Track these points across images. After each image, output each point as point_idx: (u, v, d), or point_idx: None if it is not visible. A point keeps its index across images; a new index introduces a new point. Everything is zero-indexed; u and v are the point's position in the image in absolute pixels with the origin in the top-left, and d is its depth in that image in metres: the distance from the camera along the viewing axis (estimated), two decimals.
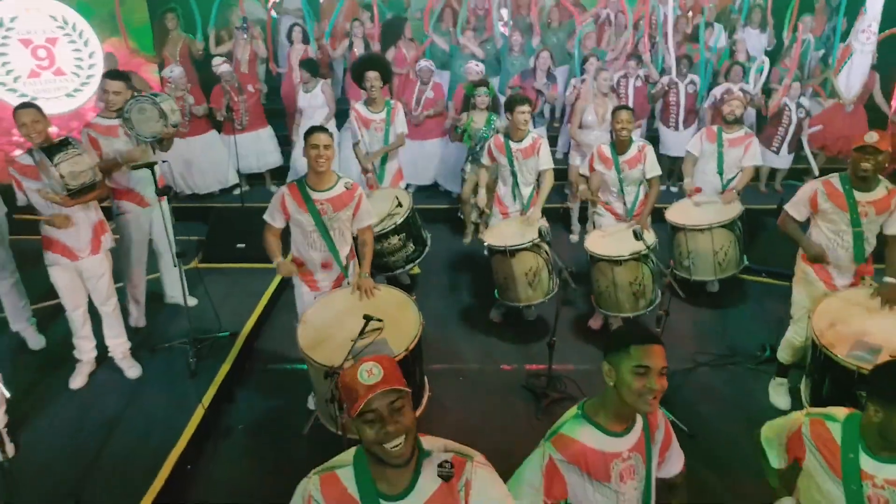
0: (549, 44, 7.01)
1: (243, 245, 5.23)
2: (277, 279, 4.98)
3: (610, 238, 4.05)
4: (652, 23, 6.88)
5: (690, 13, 7.37)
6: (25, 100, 4.30)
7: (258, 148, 6.53)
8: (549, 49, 6.22)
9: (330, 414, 2.92)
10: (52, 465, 3.12)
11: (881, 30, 6.44)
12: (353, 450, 1.64)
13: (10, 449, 3.08)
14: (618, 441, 1.80)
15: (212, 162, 6.44)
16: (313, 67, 5.91)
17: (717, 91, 6.22)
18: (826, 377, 2.91)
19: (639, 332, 1.82)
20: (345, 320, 3.03)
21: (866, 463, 1.75)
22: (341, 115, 6.20)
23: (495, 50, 6.77)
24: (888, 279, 3.17)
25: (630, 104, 5.90)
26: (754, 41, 7.25)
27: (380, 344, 2.82)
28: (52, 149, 3.18)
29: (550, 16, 7.27)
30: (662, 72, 6.61)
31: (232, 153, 6.08)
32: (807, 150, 6.53)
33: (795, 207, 3.42)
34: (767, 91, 6.65)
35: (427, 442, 1.63)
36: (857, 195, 3.21)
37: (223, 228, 5.34)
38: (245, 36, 6.32)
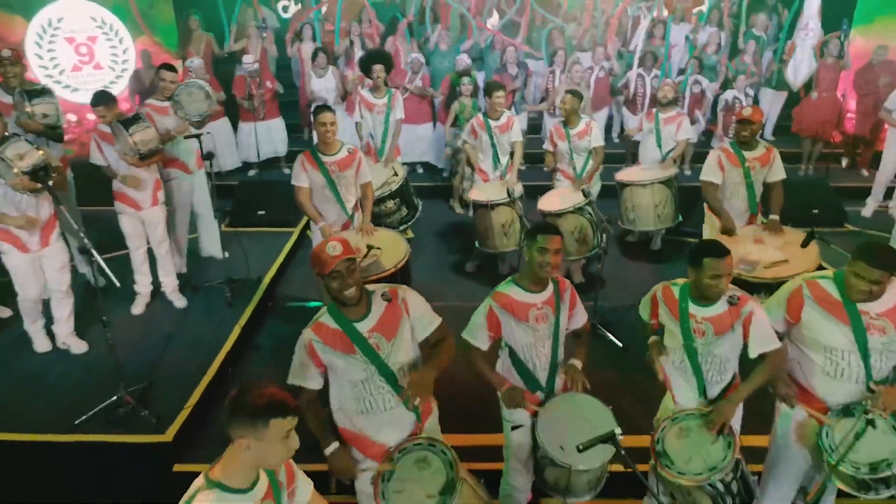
0: (533, 40, 8.09)
1: (263, 212, 6.28)
2: (293, 239, 6.02)
3: (559, 197, 5.04)
4: (622, 23, 7.91)
5: (656, 13, 8.40)
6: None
7: (270, 136, 7.50)
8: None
9: None
10: (126, 363, 4.09)
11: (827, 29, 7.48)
12: (323, 307, 2.59)
13: (80, 346, 4.19)
14: (534, 296, 2.79)
15: (222, 145, 7.33)
16: (327, 53, 6.96)
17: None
18: None
19: (544, 226, 2.83)
20: None
21: (692, 308, 2.75)
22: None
23: (479, 49, 7.81)
24: (772, 216, 4.19)
25: (591, 93, 6.95)
26: (713, 38, 8.25)
27: (374, 263, 3.82)
28: (127, 122, 4.19)
29: (535, 15, 8.31)
30: (629, 67, 7.65)
31: (252, 139, 7.09)
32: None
33: (709, 174, 4.42)
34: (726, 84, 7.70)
35: (370, 287, 2.61)
36: (745, 154, 4.24)
37: (246, 199, 6.37)
38: (264, 35, 7.32)
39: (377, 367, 2.48)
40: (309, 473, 2.12)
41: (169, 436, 3.51)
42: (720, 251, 2.61)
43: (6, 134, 3.73)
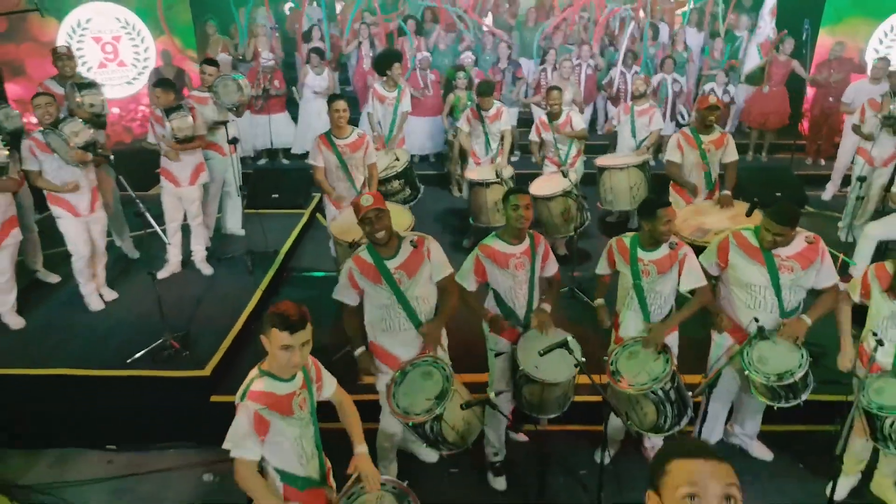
0: (525, 40, 8.79)
1: (277, 195, 6.96)
2: (304, 219, 6.69)
3: (547, 182, 5.71)
4: (608, 24, 8.61)
5: (642, 13, 9.10)
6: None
7: (275, 129, 8.11)
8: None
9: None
10: (153, 315, 4.72)
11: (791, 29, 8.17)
12: (365, 245, 3.28)
13: (112, 294, 4.95)
14: (513, 248, 3.46)
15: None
16: (321, 53, 7.64)
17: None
18: None
19: (516, 189, 3.50)
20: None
21: (640, 253, 3.42)
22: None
23: (475, 47, 8.51)
24: (724, 192, 4.87)
25: (581, 88, 7.64)
26: (692, 39, 8.95)
27: None
28: (169, 110, 4.88)
29: (528, 17, 9.02)
30: (612, 64, 8.34)
31: (259, 131, 7.77)
32: (728, 126, 8.24)
33: (670, 154, 5.12)
34: (699, 78, 8.39)
35: (403, 234, 3.30)
36: (702, 137, 4.93)
37: (262, 183, 7.05)
38: (278, 35, 8.00)
39: (397, 297, 3.17)
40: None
41: (207, 371, 4.19)
42: (666, 203, 3.32)
43: (62, 117, 4.42)
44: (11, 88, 7.62)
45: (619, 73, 8.00)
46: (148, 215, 4.07)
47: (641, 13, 8.97)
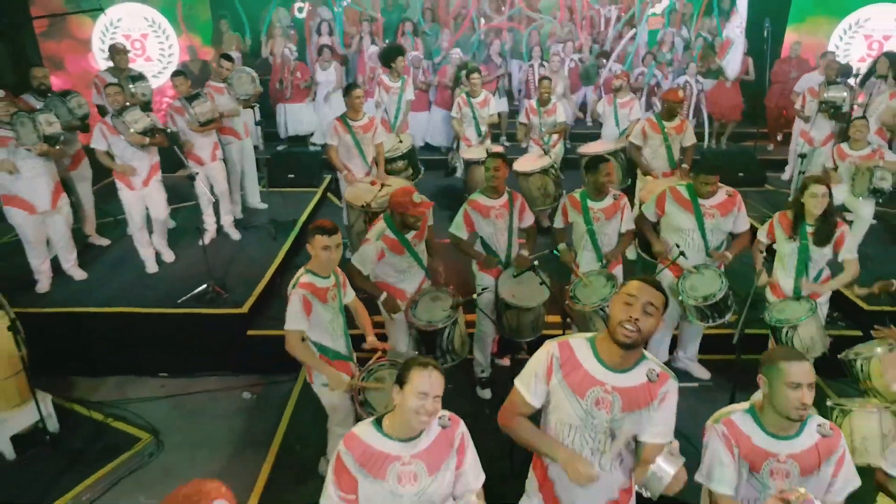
0: (517, 39, 9.72)
1: (293, 175, 7.89)
2: (317, 196, 7.61)
3: (530, 161, 6.62)
4: (594, 23, 9.57)
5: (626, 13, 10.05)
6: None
7: (297, 117, 9.07)
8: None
9: (352, 239, 5.52)
10: (196, 268, 5.64)
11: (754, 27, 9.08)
12: (382, 223, 4.14)
13: (171, 256, 5.83)
14: (494, 201, 4.36)
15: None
16: (330, 49, 8.58)
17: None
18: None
19: (492, 154, 4.42)
20: (370, 190, 5.62)
21: (590, 203, 4.31)
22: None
23: (472, 45, 9.46)
24: (683, 166, 5.80)
25: (569, 80, 8.60)
26: (670, 37, 9.86)
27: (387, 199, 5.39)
28: (190, 98, 5.78)
29: (519, 20, 9.96)
30: (597, 59, 9.27)
31: (282, 119, 8.71)
32: (704, 114, 9.15)
33: (635, 137, 6.04)
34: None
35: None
36: (665, 123, 5.85)
37: (280, 166, 7.97)
38: (291, 33, 8.93)
39: (414, 258, 4.12)
40: None
41: (245, 309, 5.12)
42: (606, 159, 4.31)
43: (127, 104, 5.34)
44: (52, 81, 8.56)
45: (607, 68, 8.94)
46: (197, 179, 5.00)
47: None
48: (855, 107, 6.65)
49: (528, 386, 2.30)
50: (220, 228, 6.45)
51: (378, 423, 2.27)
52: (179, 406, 4.87)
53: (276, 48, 8.95)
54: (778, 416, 2.29)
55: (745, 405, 2.44)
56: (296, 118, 8.80)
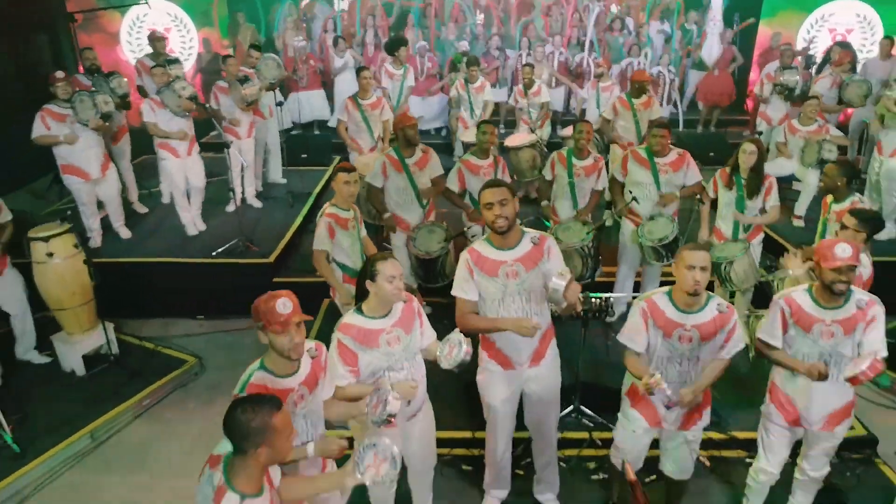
0: (509, 33, 10.66)
1: (306, 155, 8.80)
2: (328, 174, 8.51)
3: (518, 137, 7.51)
4: (580, 17, 10.49)
5: (616, 8, 10.98)
6: None
7: (310, 103, 9.97)
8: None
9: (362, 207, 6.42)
10: (227, 226, 6.55)
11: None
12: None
13: (202, 225, 6.69)
14: (482, 161, 5.28)
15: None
16: (344, 39, 9.51)
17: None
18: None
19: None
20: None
21: (574, 161, 5.23)
22: None
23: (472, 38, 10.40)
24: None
25: (555, 70, 9.52)
26: (656, 30, 10.79)
27: None
28: (242, 80, 6.67)
29: (511, 13, 10.89)
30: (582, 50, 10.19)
31: (296, 105, 9.62)
32: (678, 103, 10.07)
33: (607, 113, 6.95)
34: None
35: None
36: (634, 101, 6.75)
37: (294, 148, 8.87)
38: (305, 25, 9.85)
39: (410, 182, 5.02)
40: None
41: (271, 259, 6.03)
42: (586, 121, 5.19)
43: (170, 81, 6.25)
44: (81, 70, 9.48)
45: (584, 58, 9.86)
46: (232, 146, 5.92)
47: (614, 8, 10.86)
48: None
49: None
50: (244, 199, 7.35)
51: (359, 311, 2.98)
52: (216, 341, 5.76)
53: (288, 40, 9.88)
54: (683, 295, 3.17)
55: (666, 289, 3.32)
56: (309, 104, 9.71)
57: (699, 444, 3.44)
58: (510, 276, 3.14)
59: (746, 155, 4.80)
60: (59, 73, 5.90)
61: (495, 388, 3.41)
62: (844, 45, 8.22)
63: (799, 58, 9.00)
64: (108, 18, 9.62)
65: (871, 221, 3.66)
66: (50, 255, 4.74)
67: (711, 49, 9.88)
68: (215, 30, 10.60)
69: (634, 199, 5.09)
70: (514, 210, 3.11)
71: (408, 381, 2.97)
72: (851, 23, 9.96)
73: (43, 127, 5.69)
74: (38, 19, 8.83)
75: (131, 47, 9.96)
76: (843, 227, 3.67)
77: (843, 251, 2.92)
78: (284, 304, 2.48)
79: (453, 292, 3.26)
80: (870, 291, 3.24)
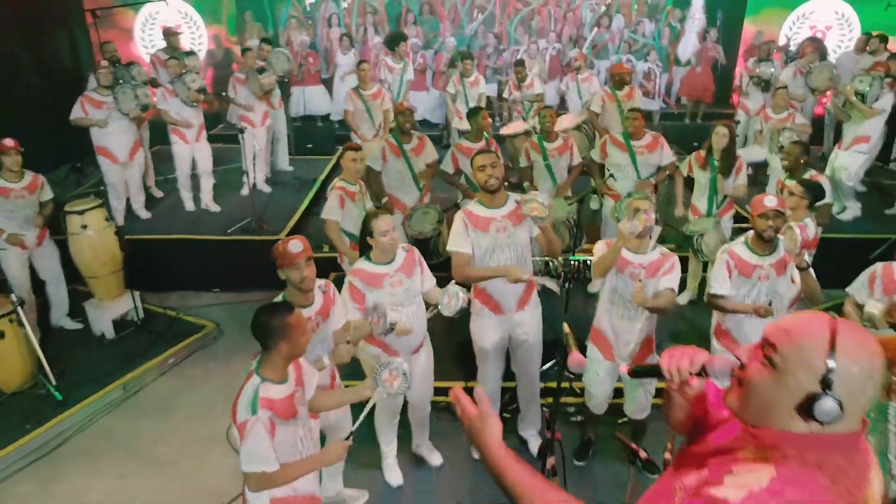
0: (504, 30, 11.21)
1: (311, 145, 9.35)
2: (332, 163, 9.06)
3: (512, 127, 8.06)
4: (578, 15, 11.06)
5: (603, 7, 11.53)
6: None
7: (311, 98, 10.52)
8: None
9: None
10: (241, 206, 7.10)
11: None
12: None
13: (216, 207, 7.23)
14: (475, 145, 5.83)
15: None
16: (350, 38, 10.06)
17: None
18: None
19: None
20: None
21: (546, 144, 5.78)
22: None
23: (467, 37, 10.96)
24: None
25: (547, 65, 10.08)
26: (646, 29, 11.34)
27: None
28: (259, 70, 7.23)
29: (505, 11, 11.45)
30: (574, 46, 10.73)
31: (300, 99, 10.16)
32: (668, 97, 10.62)
33: (593, 106, 7.49)
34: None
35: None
36: (618, 92, 7.29)
37: (300, 138, 9.42)
38: (310, 23, 10.41)
39: (407, 164, 5.55)
40: None
41: (282, 236, 6.55)
42: (546, 106, 5.72)
43: (183, 72, 6.81)
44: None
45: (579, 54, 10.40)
46: (246, 132, 6.47)
47: (602, 7, 11.42)
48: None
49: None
50: (254, 184, 7.90)
51: (368, 258, 3.55)
52: (231, 311, 6.29)
53: (293, 37, 10.43)
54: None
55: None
56: (310, 99, 10.24)
57: (654, 387, 3.98)
58: (500, 231, 3.68)
59: (719, 137, 5.35)
60: (104, 62, 6.55)
61: (487, 332, 3.95)
62: (813, 40, 8.77)
63: (777, 52, 9.52)
64: (122, 16, 10.17)
65: (812, 189, 4.20)
66: (84, 227, 5.29)
67: (686, 46, 10.41)
68: (223, 27, 11.16)
69: (611, 175, 5.64)
70: (502, 173, 3.70)
71: (407, 321, 3.51)
72: (831, 20, 10.50)
73: (81, 111, 6.35)
74: (58, 16, 9.37)
75: (144, 43, 10.52)
76: (791, 194, 4.21)
77: (770, 201, 3.48)
78: (295, 244, 3.07)
79: (449, 248, 3.80)
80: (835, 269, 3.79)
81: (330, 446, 2.81)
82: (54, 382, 4.77)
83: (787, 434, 1.27)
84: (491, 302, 3.88)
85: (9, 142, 5.03)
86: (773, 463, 1.23)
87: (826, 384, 1.21)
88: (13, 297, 4.64)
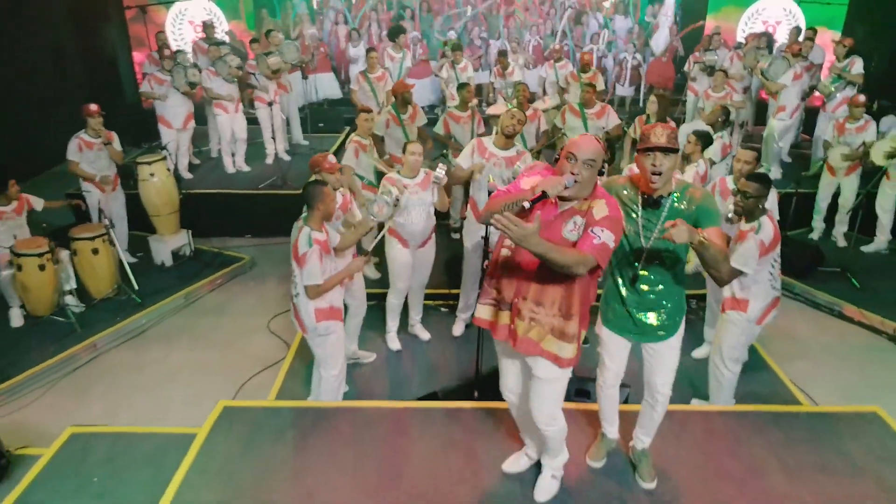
0: (493, 23, 12.82)
1: (322, 124, 10.95)
2: (340, 139, 10.64)
3: (496, 107, 9.61)
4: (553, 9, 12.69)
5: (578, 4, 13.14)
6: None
7: (322, 83, 12.09)
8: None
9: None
10: (268, 168, 8.67)
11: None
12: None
13: (246, 168, 8.83)
14: (463, 114, 7.40)
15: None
16: (358, 33, 11.66)
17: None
18: None
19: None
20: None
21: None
22: None
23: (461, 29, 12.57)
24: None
25: (531, 54, 11.70)
26: (620, 23, 12.93)
27: None
28: (266, 53, 8.83)
29: (493, 7, 13.07)
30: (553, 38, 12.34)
31: (311, 86, 11.74)
32: (640, 86, 12.19)
33: (563, 84, 9.07)
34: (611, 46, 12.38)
35: None
36: (583, 75, 8.87)
37: (311, 118, 11.01)
38: (320, 18, 12.02)
39: (404, 132, 7.10)
40: None
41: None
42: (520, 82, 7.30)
43: (221, 56, 8.40)
44: (137, 56, 11.66)
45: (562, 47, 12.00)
46: (265, 116, 8.11)
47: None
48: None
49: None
50: (276, 154, 9.49)
51: (398, 172, 5.19)
52: (261, 250, 7.87)
53: (304, 30, 12.01)
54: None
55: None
56: (321, 84, 11.84)
57: None
58: (495, 165, 5.22)
59: (650, 104, 6.97)
60: (167, 51, 8.35)
61: (474, 233, 5.48)
62: (762, 34, 10.38)
63: (722, 42, 11.14)
64: (155, 12, 11.78)
65: (702, 136, 5.78)
66: (152, 175, 6.85)
67: (659, 40, 12.00)
68: (242, 22, 12.77)
69: (564, 134, 7.22)
70: (522, 127, 5.26)
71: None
72: (780, 16, 12.09)
73: (148, 87, 8.11)
74: (100, 12, 10.96)
75: (174, 37, 12.11)
76: (687, 141, 5.78)
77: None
78: (332, 158, 4.62)
79: (457, 160, 5.37)
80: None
81: (353, 261, 4.42)
82: (137, 288, 6.33)
83: (598, 188, 2.88)
84: (476, 209, 5.46)
85: (93, 106, 6.59)
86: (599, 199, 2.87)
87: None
88: (105, 220, 6.20)
